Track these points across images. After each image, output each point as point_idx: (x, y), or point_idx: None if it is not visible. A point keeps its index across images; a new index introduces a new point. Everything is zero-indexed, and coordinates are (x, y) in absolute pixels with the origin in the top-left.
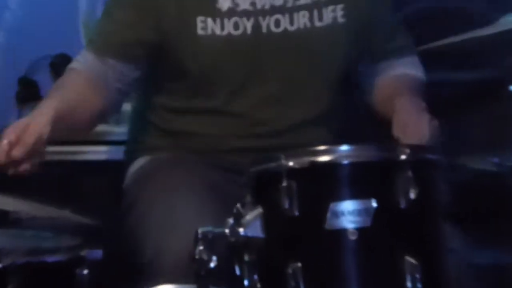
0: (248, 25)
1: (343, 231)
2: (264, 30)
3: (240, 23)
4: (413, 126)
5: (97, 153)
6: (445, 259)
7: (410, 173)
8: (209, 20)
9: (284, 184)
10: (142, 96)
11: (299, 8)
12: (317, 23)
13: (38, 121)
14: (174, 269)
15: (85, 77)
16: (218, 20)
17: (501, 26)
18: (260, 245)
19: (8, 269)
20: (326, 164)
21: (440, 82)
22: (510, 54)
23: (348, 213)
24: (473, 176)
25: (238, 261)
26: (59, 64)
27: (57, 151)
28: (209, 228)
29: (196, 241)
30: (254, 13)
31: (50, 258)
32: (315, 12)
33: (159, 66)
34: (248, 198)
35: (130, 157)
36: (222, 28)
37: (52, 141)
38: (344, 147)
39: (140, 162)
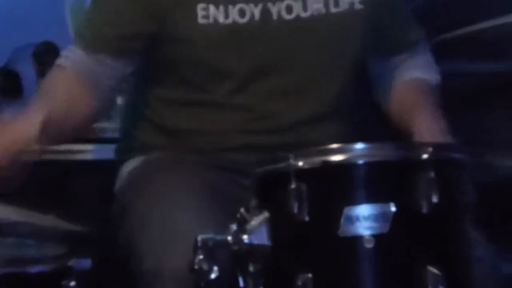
0: (256, 11)
1: (358, 238)
2: (274, 17)
3: (246, 9)
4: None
5: (85, 152)
6: (471, 268)
7: (432, 174)
8: (211, 7)
9: (293, 186)
10: (136, 89)
11: None
12: (333, 9)
13: (25, 128)
14: (172, 280)
15: (75, 77)
16: (221, 7)
17: None
18: (266, 254)
19: None
20: (339, 164)
21: (459, 74)
22: None
23: (363, 219)
24: (500, 175)
25: (242, 271)
26: (43, 54)
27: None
28: (210, 235)
29: (196, 250)
30: None
31: (34, 269)
32: None
33: (155, 56)
34: (253, 202)
35: (122, 156)
36: (226, 15)
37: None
38: (360, 145)
39: (133, 163)
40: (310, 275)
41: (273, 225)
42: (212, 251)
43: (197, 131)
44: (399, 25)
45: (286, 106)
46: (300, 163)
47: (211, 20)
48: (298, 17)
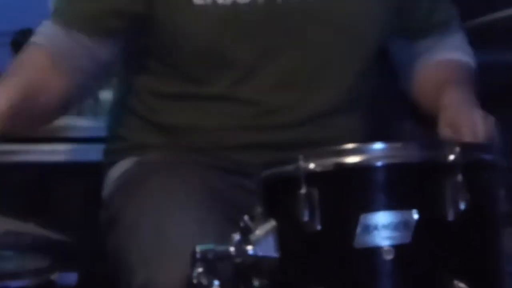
0: None
1: (376, 250)
2: None
3: None
4: (464, 124)
5: (69, 152)
6: (502, 284)
7: (459, 177)
8: None
9: (303, 191)
10: (125, 80)
11: None
12: None
13: None
14: None
15: (48, 54)
16: None
17: None
18: (273, 267)
19: None
20: (355, 166)
21: (493, 65)
22: None
23: (382, 227)
24: None
25: (246, 286)
26: (22, 43)
27: (17, 150)
28: (210, 246)
29: (194, 262)
30: None
31: (13, 283)
32: None
33: (146, 43)
34: (258, 209)
35: (111, 158)
36: None
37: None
38: (378, 145)
39: (124, 165)
40: None
41: (281, 235)
42: (213, 263)
43: (195, 128)
44: (426, 3)
45: (296, 98)
46: (311, 165)
47: (208, 0)
48: None
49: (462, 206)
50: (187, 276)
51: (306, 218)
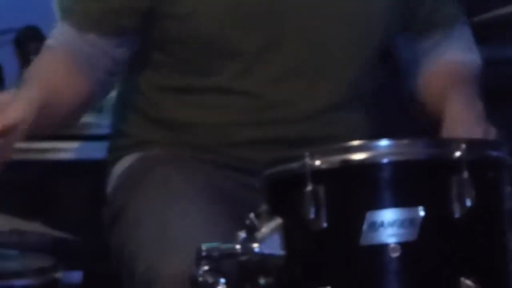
0: None
1: (382, 247)
2: None
3: None
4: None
5: (74, 150)
6: (509, 280)
7: (466, 174)
8: None
9: (309, 188)
10: (128, 76)
11: None
12: None
13: (20, 106)
14: None
15: (65, 57)
16: None
17: None
18: (279, 265)
19: None
20: (361, 163)
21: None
22: None
23: (388, 225)
24: None
25: (251, 285)
26: (26, 40)
27: (23, 149)
28: (215, 244)
29: (199, 260)
30: None
31: (18, 282)
32: None
33: (148, 36)
34: (264, 207)
35: (115, 155)
36: None
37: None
38: (384, 142)
39: (127, 161)
40: None
41: (287, 233)
42: (218, 261)
43: (198, 123)
44: (431, 0)
45: (301, 92)
46: (317, 163)
47: None
48: None
49: (468, 203)
50: (192, 274)
51: (312, 215)
